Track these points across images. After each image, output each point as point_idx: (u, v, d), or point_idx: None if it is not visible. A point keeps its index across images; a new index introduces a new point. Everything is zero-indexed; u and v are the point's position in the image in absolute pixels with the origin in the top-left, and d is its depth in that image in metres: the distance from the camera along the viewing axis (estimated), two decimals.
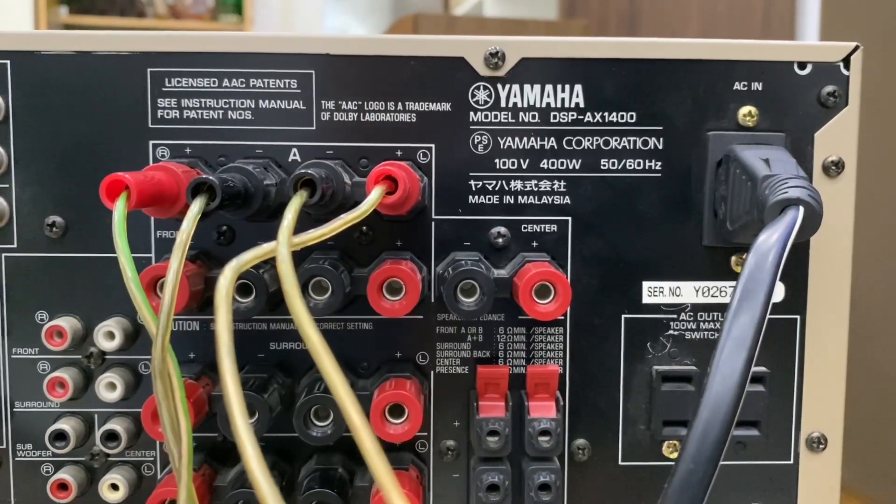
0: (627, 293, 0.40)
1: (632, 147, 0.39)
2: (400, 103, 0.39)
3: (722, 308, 0.40)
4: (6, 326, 0.39)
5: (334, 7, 3.74)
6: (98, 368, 0.39)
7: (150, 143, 0.38)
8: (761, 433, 0.40)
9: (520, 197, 0.39)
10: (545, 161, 0.39)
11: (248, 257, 0.26)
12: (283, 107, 0.39)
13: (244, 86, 0.38)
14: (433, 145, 0.39)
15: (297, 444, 0.39)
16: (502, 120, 0.39)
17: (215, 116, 0.38)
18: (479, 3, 2.34)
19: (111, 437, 0.39)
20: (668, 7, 2.00)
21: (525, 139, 0.39)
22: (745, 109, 0.39)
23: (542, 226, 0.39)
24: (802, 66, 0.39)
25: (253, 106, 0.39)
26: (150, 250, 0.39)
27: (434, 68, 0.39)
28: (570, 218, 0.39)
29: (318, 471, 0.38)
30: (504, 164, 0.39)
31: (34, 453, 0.40)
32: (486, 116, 0.39)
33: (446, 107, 0.39)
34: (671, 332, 0.40)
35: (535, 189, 0.39)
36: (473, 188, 0.39)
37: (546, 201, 0.39)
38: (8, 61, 0.38)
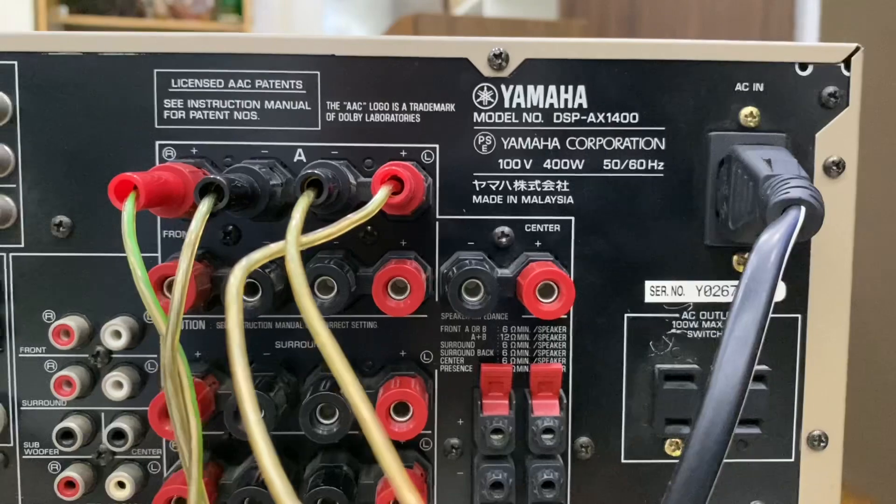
0: (630, 292, 0.40)
1: (634, 147, 0.40)
2: (404, 104, 0.39)
3: (724, 307, 0.40)
4: (13, 326, 0.39)
5: (334, 7, 3.74)
6: (105, 367, 0.40)
7: (157, 143, 0.39)
8: (763, 431, 0.40)
9: (523, 197, 0.40)
10: (548, 161, 0.40)
11: (257, 257, 0.26)
12: (288, 107, 0.39)
13: (250, 87, 0.39)
14: (437, 146, 0.39)
15: (303, 443, 0.40)
16: (506, 120, 0.39)
17: (221, 117, 0.39)
18: (479, 3, 2.34)
19: (118, 435, 0.39)
20: (667, 7, 2.01)
21: (528, 139, 0.39)
22: (746, 110, 0.39)
23: (546, 225, 0.40)
24: (803, 67, 0.40)
25: (259, 106, 0.39)
26: (157, 250, 0.39)
27: (438, 69, 0.39)
28: (573, 218, 0.40)
29: (323, 469, 0.39)
30: (507, 164, 0.40)
31: (41, 451, 0.40)
32: (490, 117, 0.39)
33: (450, 107, 0.39)
34: (673, 330, 0.40)
35: (539, 189, 0.40)
36: (477, 188, 0.40)
37: (549, 201, 0.40)
38: (15, 62, 0.38)
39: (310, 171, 0.33)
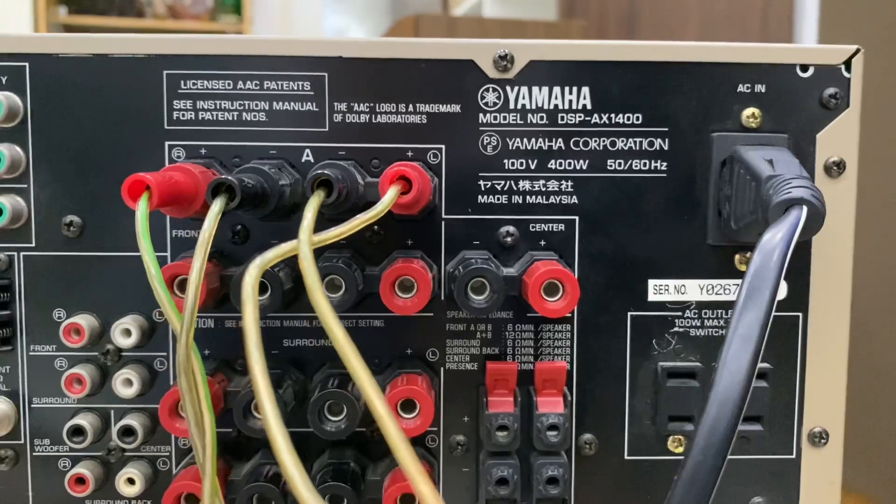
0: (633, 291, 0.41)
1: (638, 148, 0.40)
2: (411, 105, 0.40)
3: (726, 306, 0.41)
4: (24, 324, 0.40)
5: (333, 7, 3.74)
6: (114, 365, 0.40)
7: (166, 143, 0.39)
8: (764, 428, 0.41)
9: (528, 197, 0.40)
10: (553, 161, 0.40)
11: (271, 255, 0.27)
12: (296, 108, 0.39)
13: (258, 88, 0.39)
14: (443, 146, 0.40)
15: (310, 440, 0.40)
16: (511, 121, 0.40)
17: (230, 118, 0.39)
18: (479, 4, 2.35)
19: (128, 432, 0.39)
20: (667, 8, 2.01)
21: (533, 140, 0.40)
22: (748, 111, 0.40)
23: (550, 225, 0.40)
24: (805, 68, 0.40)
25: (267, 108, 0.39)
26: (167, 249, 0.40)
27: (444, 71, 0.40)
28: (577, 217, 0.40)
29: (331, 465, 0.39)
30: (513, 164, 0.40)
31: (51, 448, 0.41)
32: (495, 118, 0.40)
33: (456, 108, 0.40)
34: (676, 329, 0.41)
35: (543, 189, 0.40)
36: (483, 188, 0.40)
37: (554, 201, 0.40)
38: (26, 63, 0.39)
39: (320, 171, 0.33)
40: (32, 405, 0.40)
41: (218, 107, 0.39)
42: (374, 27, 3.92)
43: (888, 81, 1.00)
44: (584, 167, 0.40)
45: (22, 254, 0.40)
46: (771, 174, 0.35)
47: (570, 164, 0.40)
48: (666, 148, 0.40)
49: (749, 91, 0.40)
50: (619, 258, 0.41)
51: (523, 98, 0.40)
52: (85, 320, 0.39)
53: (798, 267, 0.41)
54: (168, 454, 0.41)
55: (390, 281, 0.36)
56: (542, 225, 0.40)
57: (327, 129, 0.39)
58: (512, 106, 0.40)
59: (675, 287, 0.41)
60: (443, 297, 0.40)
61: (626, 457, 0.41)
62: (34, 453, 0.41)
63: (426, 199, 0.36)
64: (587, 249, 0.40)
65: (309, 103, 0.39)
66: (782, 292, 0.41)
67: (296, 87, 0.39)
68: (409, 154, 0.40)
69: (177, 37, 0.39)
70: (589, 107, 0.40)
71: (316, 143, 0.39)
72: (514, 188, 0.40)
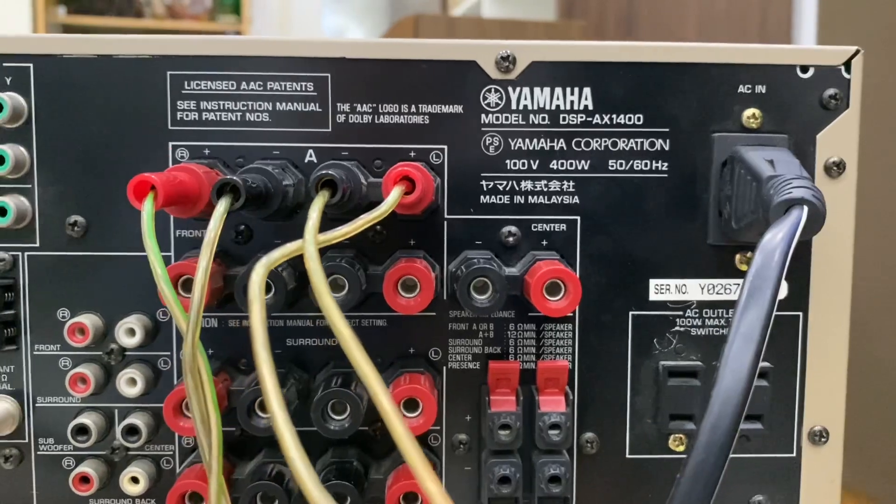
0: (635, 290, 0.41)
1: (639, 148, 0.40)
2: (413, 106, 0.40)
3: (727, 305, 0.41)
4: (28, 323, 0.40)
5: (332, 7, 3.75)
6: (118, 364, 0.40)
7: (170, 144, 0.39)
8: (764, 427, 0.41)
9: (530, 197, 0.40)
10: (555, 162, 0.40)
11: (277, 255, 0.27)
12: (299, 109, 0.40)
13: (262, 89, 0.39)
14: (445, 146, 0.40)
15: (313, 439, 0.40)
16: (513, 122, 0.40)
17: (233, 118, 0.39)
18: (478, 4, 2.35)
19: (132, 431, 0.40)
20: (665, 8, 2.02)
21: (535, 140, 0.40)
22: (749, 111, 0.40)
23: (552, 225, 0.41)
24: (805, 69, 0.40)
25: (270, 108, 0.39)
26: (170, 249, 0.40)
27: (446, 71, 0.40)
28: (578, 217, 0.41)
29: (334, 464, 0.39)
30: (515, 164, 0.40)
31: (56, 447, 0.41)
32: (497, 118, 0.40)
33: (458, 109, 0.40)
34: (677, 328, 0.41)
35: (545, 189, 0.40)
36: (485, 188, 0.40)
37: (555, 201, 0.40)
38: (31, 64, 0.39)
39: (324, 171, 0.33)
40: (37, 404, 0.41)
41: (221, 107, 0.39)
42: (373, 27, 3.93)
43: (887, 81, 1.00)
44: (586, 167, 0.40)
45: (26, 254, 0.40)
46: (772, 174, 0.36)
47: (571, 164, 0.40)
48: (667, 148, 0.40)
49: (750, 92, 0.40)
50: (621, 258, 0.41)
51: (525, 99, 0.40)
52: (89, 320, 0.39)
53: (798, 266, 0.41)
54: (171, 453, 0.41)
55: (393, 280, 0.37)
56: (544, 225, 0.41)
57: (330, 130, 0.40)
58: (514, 106, 0.40)
59: (675, 287, 0.41)
60: (445, 297, 0.41)
61: (628, 455, 0.42)
62: (38, 452, 0.41)
63: (429, 200, 0.37)
64: (589, 249, 0.41)
65: (312, 104, 0.40)
66: (783, 292, 0.41)
67: (299, 88, 0.39)
68: (412, 154, 0.40)
69: (180, 38, 0.39)
70: (590, 107, 0.40)
71: (319, 143, 0.40)
72: (516, 188, 0.40)
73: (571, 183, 0.40)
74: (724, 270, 0.41)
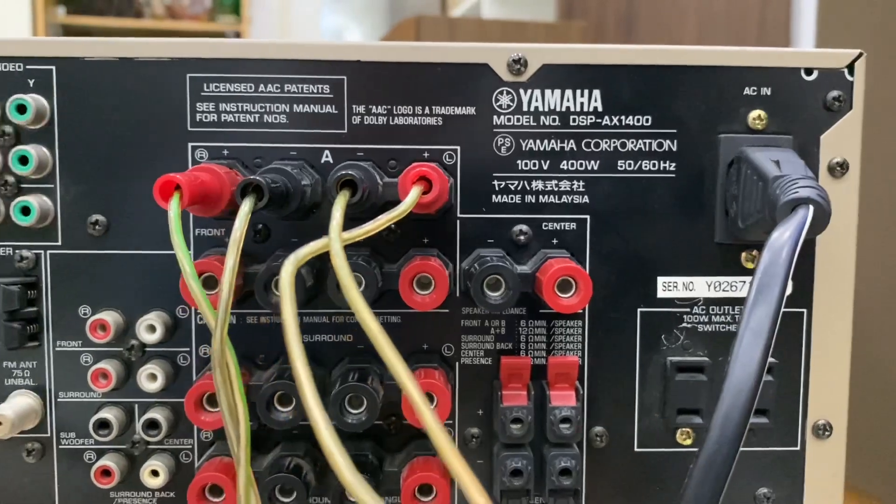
0: (643, 288, 0.42)
1: (647, 149, 0.41)
2: (427, 107, 0.41)
3: (733, 302, 0.42)
4: (51, 320, 0.41)
5: (331, 7, 3.75)
6: (138, 360, 0.41)
7: (189, 145, 0.40)
8: (770, 421, 0.42)
9: (541, 196, 0.41)
10: (565, 162, 0.41)
11: (304, 252, 0.28)
12: (316, 111, 0.40)
13: (279, 91, 0.40)
14: (458, 147, 0.41)
15: None
16: (524, 123, 0.41)
17: (251, 120, 0.40)
18: (477, 4, 2.36)
19: (152, 425, 0.41)
20: (665, 9, 2.03)
21: (546, 141, 0.41)
22: (754, 113, 0.41)
23: (562, 224, 0.41)
24: (809, 72, 0.41)
25: (287, 110, 0.40)
26: (190, 247, 0.41)
27: (459, 74, 0.41)
28: (588, 216, 0.41)
29: (350, 457, 0.40)
30: (526, 165, 0.41)
31: (77, 441, 0.42)
32: (509, 120, 0.41)
33: (471, 111, 0.41)
34: (685, 324, 0.42)
35: (556, 189, 0.41)
36: (497, 188, 0.41)
37: (566, 200, 0.41)
38: (53, 67, 0.40)
39: (345, 171, 0.34)
40: (58, 399, 0.41)
41: (240, 109, 0.40)
42: (372, 27, 3.93)
43: (885, 81, 1.01)
44: (596, 168, 0.41)
45: (48, 252, 0.41)
46: (778, 174, 0.37)
47: (581, 164, 0.41)
48: (674, 149, 0.41)
49: (755, 94, 0.41)
50: (629, 256, 0.42)
51: (536, 100, 0.41)
52: (110, 317, 0.40)
53: (803, 264, 0.42)
54: (190, 447, 0.42)
55: (409, 278, 0.38)
56: (555, 224, 0.41)
57: (346, 131, 0.41)
58: (525, 108, 0.41)
59: (683, 284, 0.42)
60: (458, 294, 0.41)
61: (636, 449, 0.43)
62: (60, 446, 0.42)
63: (444, 199, 0.38)
64: (598, 247, 0.42)
65: (328, 106, 0.40)
66: (787, 289, 0.42)
67: (315, 90, 0.40)
68: (426, 155, 0.41)
69: (200, 41, 0.40)
70: (600, 109, 0.41)
71: (335, 144, 0.41)
72: (528, 188, 0.41)
73: (581, 183, 0.41)
74: (731, 268, 0.42)
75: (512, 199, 0.41)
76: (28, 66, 0.40)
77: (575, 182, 0.41)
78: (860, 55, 0.41)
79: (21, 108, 0.39)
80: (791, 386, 0.42)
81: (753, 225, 0.39)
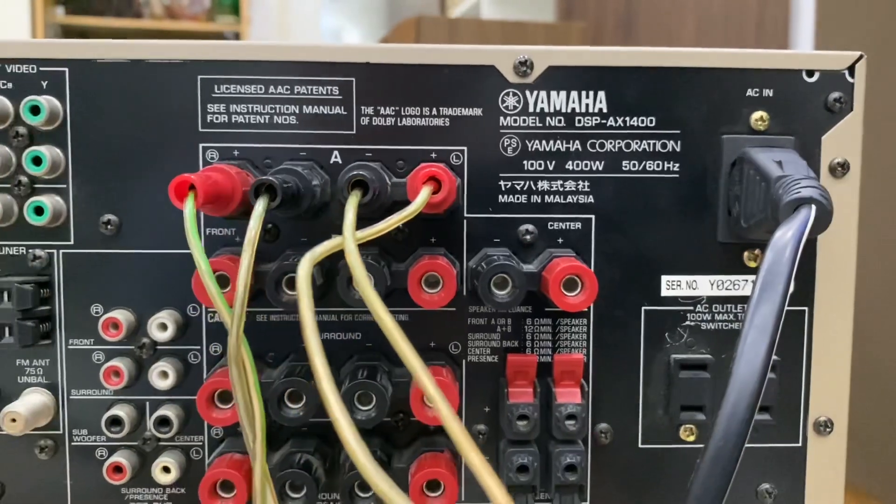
0: (647, 286, 0.43)
1: (651, 149, 0.42)
2: (434, 108, 0.41)
3: (736, 300, 0.43)
4: (63, 319, 0.42)
5: (330, 8, 3.76)
6: (149, 358, 0.42)
7: (200, 145, 0.41)
8: (772, 417, 0.42)
9: (546, 196, 0.42)
10: (570, 163, 0.42)
11: (320, 250, 0.29)
12: (325, 112, 0.41)
13: (289, 92, 0.41)
14: (465, 148, 0.42)
15: None
16: (530, 124, 0.42)
17: (262, 121, 0.41)
18: (476, 5, 2.37)
19: (163, 422, 0.41)
20: (663, 9, 2.03)
21: (551, 142, 0.42)
22: (757, 114, 0.42)
23: (568, 223, 0.42)
24: (810, 73, 0.42)
25: (297, 111, 0.41)
26: None
27: (466, 76, 0.41)
28: (593, 216, 0.42)
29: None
30: (532, 165, 0.42)
31: (89, 438, 0.42)
32: (515, 121, 0.42)
33: (478, 112, 0.41)
34: (688, 322, 0.43)
35: (561, 189, 0.42)
36: (503, 188, 0.42)
37: (571, 200, 0.42)
38: (66, 69, 0.41)
39: (356, 172, 0.35)
40: (71, 397, 0.42)
41: (250, 110, 0.41)
42: (370, 28, 3.94)
43: (884, 82, 1.02)
44: (600, 168, 0.42)
45: (61, 251, 0.41)
46: (780, 175, 0.37)
47: (586, 165, 0.42)
48: (678, 150, 0.42)
49: (757, 95, 0.42)
50: (634, 255, 0.42)
51: (542, 102, 0.42)
52: (122, 315, 0.41)
53: (804, 263, 0.42)
54: (201, 444, 0.43)
55: (418, 277, 0.38)
56: (560, 223, 0.42)
57: (355, 132, 0.41)
58: (531, 109, 0.42)
59: (686, 283, 0.43)
60: (464, 293, 0.42)
61: (640, 445, 0.43)
62: (73, 443, 0.42)
63: (452, 199, 0.38)
64: (603, 247, 0.42)
65: (337, 107, 0.41)
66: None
67: (325, 92, 0.41)
68: (433, 155, 0.41)
69: (211, 43, 0.41)
70: (605, 110, 0.42)
71: (344, 145, 0.41)
72: (534, 188, 0.42)
73: (586, 183, 0.42)
74: (733, 267, 0.43)
75: (518, 198, 0.42)
76: (41, 68, 0.40)
77: (580, 182, 0.42)
78: (860, 57, 0.42)
79: (35, 110, 0.40)
80: (793, 383, 0.43)
81: (756, 224, 0.39)
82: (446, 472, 0.39)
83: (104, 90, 0.41)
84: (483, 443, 0.43)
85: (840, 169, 0.42)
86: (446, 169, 0.37)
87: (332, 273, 0.39)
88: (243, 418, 0.31)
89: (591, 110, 0.42)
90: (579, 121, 0.42)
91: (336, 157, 0.41)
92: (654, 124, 0.42)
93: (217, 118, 0.41)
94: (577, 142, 0.42)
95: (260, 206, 0.33)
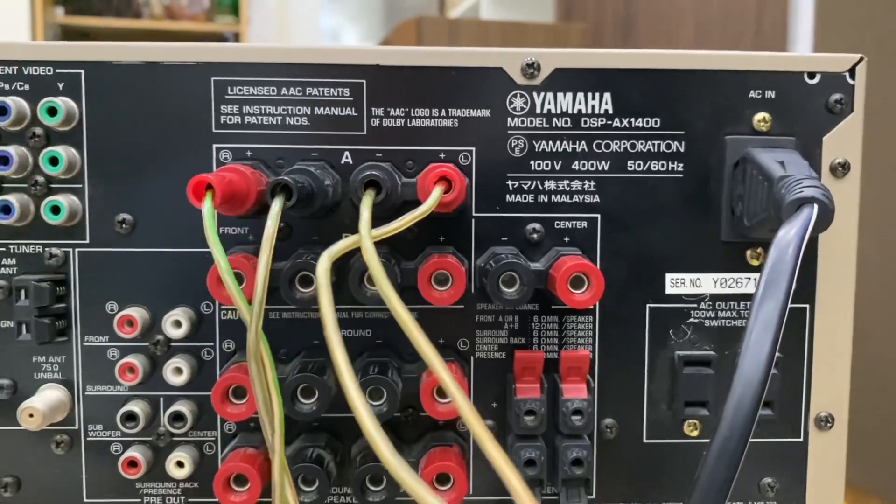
0: (651, 284, 0.43)
1: (656, 150, 0.43)
2: (443, 110, 0.42)
3: (738, 298, 0.44)
4: (79, 316, 0.42)
5: (328, 8, 3.76)
6: (164, 355, 0.42)
7: (214, 146, 0.42)
8: (774, 413, 0.43)
9: (553, 196, 0.43)
10: (576, 163, 0.43)
11: (338, 248, 0.30)
12: (336, 113, 0.42)
13: (301, 94, 0.42)
14: (473, 148, 0.42)
15: (349, 424, 0.43)
16: (537, 125, 0.42)
17: (274, 122, 0.42)
18: (476, 5, 2.38)
19: (177, 417, 0.42)
20: (662, 10, 2.04)
21: (558, 143, 0.43)
22: (759, 115, 0.43)
23: (574, 222, 0.43)
24: (812, 75, 0.43)
25: (309, 112, 0.42)
26: None
27: (475, 77, 0.42)
28: (599, 215, 0.43)
29: (370, 447, 0.42)
30: (539, 165, 0.43)
31: (104, 433, 0.43)
32: (523, 122, 0.42)
33: (486, 113, 0.42)
34: (692, 320, 0.44)
35: (568, 189, 0.43)
36: (510, 188, 0.43)
37: (577, 200, 0.43)
38: (82, 71, 0.41)
39: (369, 172, 0.36)
40: (86, 393, 0.43)
41: (263, 111, 0.42)
42: (368, 28, 3.95)
43: (882, 82, 1.03)
44: (606, 168, 0.43)
45: (77, 250, 0.42)
46: (783, 175, 0.38)
47: (592, 165, 0.43)
48: (682, 150, 0.43)
49: (760, 97, 0.43)
50: (638, 253, 0.43)
51: (549, 103, 0.42)
52: (137, 312, 0.42)
53: (805, 261, 0.43)
54: (214, 439, 0.43)
55: (428, 274, 0.39)
56: (567, 222, 0.43)
57: (365, 133, 0.42)
58: (538, 111, 0.42)
59: (690, 280, 0.43)
60: (473, 290, 0.43)
61: (645, 440, 0.44)
62: (88, 438, 0.43)
63: (462, 199, 0.39)
64: (608, 245, 0.43)
65: (348, 108, 0.42)
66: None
67: (336, 94, 0.42)
68: (442, 156, 0.42)
69: (225, 46, 0.42)
70: (610, 111, 0.43)
71: (355, 145, 0.42)
72: (540, 188, 0.43)
73: (592, 183, 0.43)
74: (736, 265, 0.43)
75: (525, 198, 0.43)
76: (58, 70, 0.41)
77: (586, 182, 0.43)
78: (861, 59, 0.43)
79: (52, 111, 0.41)
80: (794, 379, 0.44)
81: (759, 223, 0.40)
82: (456, 465, 0.40)
83: (119, 92, 0.41)
84: None
85: (841, 169, 0.43)
86: (456, 169, 0.38)
87: (341, 271, 0.40)
88: (262, 412, 0.32)
89: (596, 111, 0.43)
90: (585, 122, 0.43)
91: (347, 157, 0.42)
92: (658, 125, 0.43)
93: (230, 119, 0.42)
94: (583, 142, 0.43)
95: (276, 206, 0.33)
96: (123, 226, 0.42)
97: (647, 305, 0.43)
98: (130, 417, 0.42)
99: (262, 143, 0.42)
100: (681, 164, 0.43)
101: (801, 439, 0.44)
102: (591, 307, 0.43)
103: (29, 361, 0.42)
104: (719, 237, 0.43)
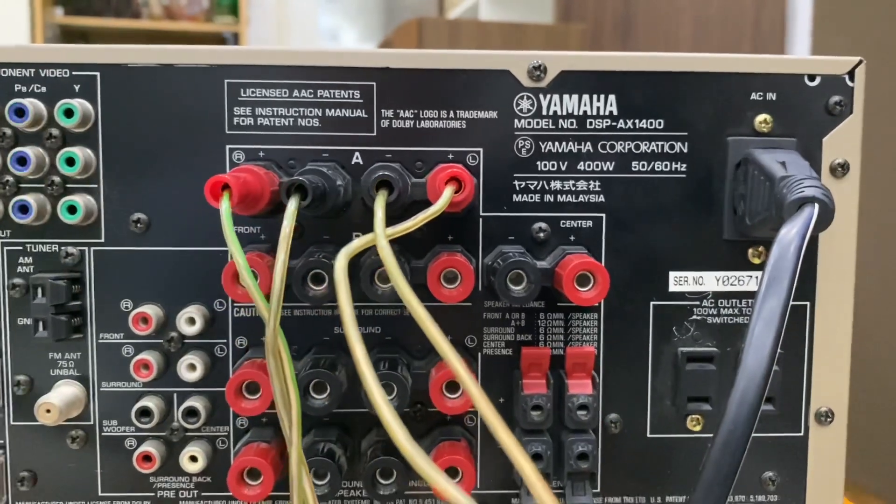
0: (655, 282, 0.44)
1: (660, 151, 0.44)
2: (451, 111, 0.43)
3: (740, 295, 0.44)
4: (94, 314, 0.43)
5: (327, 8, 3.77)
6: (177, 351, 0.43)
7: (227, 147, 0.43)
8: (775, 408, 0.44)
9: (559, 196, 0.44)
10: (582, 163, 0.44)
11: (354, 246, 0.30)
12: (347, 115, 0.43)
13: (312, 96, 0.43)
14: (481, 149, 0.43)
15: (359, 419, 0.44)
16: (543, 126, 0.43)
17: (286, 123, 0.43)
18: (475, 6, 2.38)
19: (191, 413, 0.43)
20: (661, 11, 2.05)
21: (564, 144, 0.43)
22: (760, 117, 0.44)
23: (579, 222, 0.44)
24: (812, 78, 0.44)
25: (320, 114, 0.43)
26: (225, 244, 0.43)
27: (482, 80, 0.43)
28: (604, 215, 0.44)
29: (379, 442, 0.43)
30: (545, 166, 0.44)
31: (119, 429, 0.44)
32: (529, 123, 0.43)
33: (493, 115, 0.43)
34: (695, 317, 0.44)
35: (573, 189, 0.44)
36: (517, 188, 0.44)
37: (583, 200, 0.44)
38: (98, 73, 0.42)
39: (381, 172, 0.37)
40: (101, 388, 0.44)
41: (275, 113, 0.43)
42: (367, 28, 3.95)
43: (880, 83, 1.04)
44: (611, 168, 0.44)
45: (92, 249, 0.43)
46: (784, 175, 0.39)
47: (597, 165, 0.44)
48: (685, 151, 0.44)
49: (761, 99, 0.44)
50: (643, 252, 0.44)
51: (555, 105, 0.43)
52: (151, 310, 0.42)
53: (806, 259, 0.44)
54: (226, 434, 0.44)
55: (437, 273, 0.40)
56: (572, 222, 0.44)
57: (375, 134, 0.43)
58: (545, 112, 0.43)
59: (693, 278, 0.44)
60: (480, 288, 0.44)
61: (649, 435, 0.45)
62: (103, 433, 0.44)
63: (471, 198, 0.40)
64: (613, 244, 0.44)
65: (359, 110, 0.43)
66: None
67: (347, 96, 0.43)
68: (450, 157, 0.43)
69: (238, 49, 0.42)
70: (615, 113, 0.43)
71: (365, 146, 0.43)
72: (546, 188, 0.44)
73: (597, 183, 0.44)
74: (738, 263, 0.44)
75: (532, 198, 0.44)
76: (74, 73, 0.42)
77: (591, 182, 0.44)
78: (860, 62, 0.44)
79: (68, 112, 0.41)
80: (795, 375, 0.45)
81: (760, 222, 0.41)
82: (464, 459, 0.41)
83: (135, 93, 0.42)
84: None
85: (840, 169, 0.44)
86: (466, 170, 0.39)
87: (352, 269, 0.41)
88: (280, 406, 0.32)
89: (601, 113, 0.43)
90: (591, 123, 0.43)
91: (357, 158, 0.43)
92: (662, 126, 0.44)
93: (243, 121, 0.43)
94: (588, 143, 0.44)
95: (292, 205, 0.34)
96: (138, 225, 0.43)
97: (651, 303, 0.44)
98: (145, 413, 0.42)
99: (275, 144, 0.43)
100: (684, 165, 0.44)
101: (802, 434, 0.45)
102: (597, 305, 0.44)
103: (45, 358, 0.43)
104: (722, 236, 0.44)
